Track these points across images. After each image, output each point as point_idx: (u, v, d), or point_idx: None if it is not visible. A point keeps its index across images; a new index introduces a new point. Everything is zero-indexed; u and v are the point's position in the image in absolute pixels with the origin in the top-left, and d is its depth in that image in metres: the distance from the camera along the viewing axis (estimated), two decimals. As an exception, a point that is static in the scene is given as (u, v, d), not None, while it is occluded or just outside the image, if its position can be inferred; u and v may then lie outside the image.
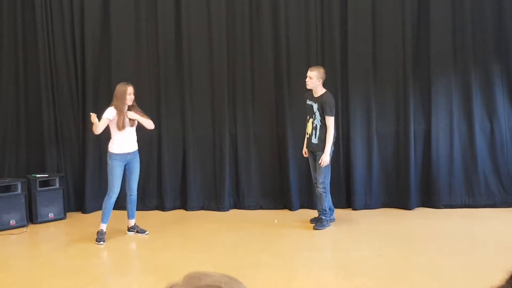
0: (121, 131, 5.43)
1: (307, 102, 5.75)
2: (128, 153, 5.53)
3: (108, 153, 5.51)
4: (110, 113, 5.41)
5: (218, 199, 6.80)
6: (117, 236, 5.67)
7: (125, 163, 5.53)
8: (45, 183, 6.45)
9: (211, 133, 6.83)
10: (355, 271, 4.36)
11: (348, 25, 6.60)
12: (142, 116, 5.57)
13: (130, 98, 5.45)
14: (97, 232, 5.46)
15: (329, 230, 5.66)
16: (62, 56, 6.85)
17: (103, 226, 5.49)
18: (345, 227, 5.83)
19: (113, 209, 6.88)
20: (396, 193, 6.64)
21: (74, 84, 6.89)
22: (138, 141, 6.96)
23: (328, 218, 5.74)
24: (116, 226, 6.14)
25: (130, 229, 5.78)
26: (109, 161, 5.48)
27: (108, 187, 5.50)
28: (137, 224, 5.79)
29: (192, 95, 6.84)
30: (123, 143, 5.49)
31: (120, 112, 5.41)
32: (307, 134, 5.79)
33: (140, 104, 6.92)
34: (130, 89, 5.46)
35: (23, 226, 6.07)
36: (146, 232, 5.74)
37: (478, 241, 5.15)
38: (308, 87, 5.70)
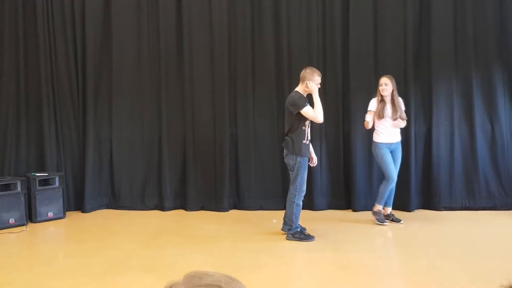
0: (381, 120, 5.77)
1: None
2: (393, 143, 5.84)
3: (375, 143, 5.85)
4: (372, 104, 5.81)
5: (218, 199, 6.80)
6: (118, 236, 5.66)
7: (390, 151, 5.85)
8: (44, 182, 6.44)
9: (212, 133, 6.83)
10: (354, 272, 4.35)
11: (350, 26, 6.61)
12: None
13: (381, 89, 5.73)
14: (374, 213, 5.80)
15: (330, 232, 5.65)
16: (63, 55, 6.85)
17: (379, 207, 5.85)
18: (346, 228, 5.83)
19: (113, 208, 6.94)
20: (396, 194, 6.60)
21: (74, 83, 6.90)
22: (138, 141, 6.99)
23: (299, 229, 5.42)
24: (117, 227, 6.14)
25: (385, 216, 5.98)
26: (376, 150, 5.83)
27: (386, 175, 5.81)
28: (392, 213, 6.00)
29: (192, 95, 6.84)
30: (389, 132, 5.80)
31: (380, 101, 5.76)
32: (308, 139, 5.39)
33: (141, 103, 6.96)
34: (381, 80, 5.77)
35: (22, 225, 6.07)
36: (401, 221, 5.92)
37: (478, 244, 5.14)
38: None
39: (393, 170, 5.80)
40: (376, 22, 6.63)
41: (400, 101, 5.85)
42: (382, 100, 5.78)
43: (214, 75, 6.81)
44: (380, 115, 5.75)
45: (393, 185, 5.84)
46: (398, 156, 5.91)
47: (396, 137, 5.89)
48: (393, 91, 5.76)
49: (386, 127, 5.80)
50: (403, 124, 5.84)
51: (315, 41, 6.66)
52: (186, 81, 6.82)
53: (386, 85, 5.76)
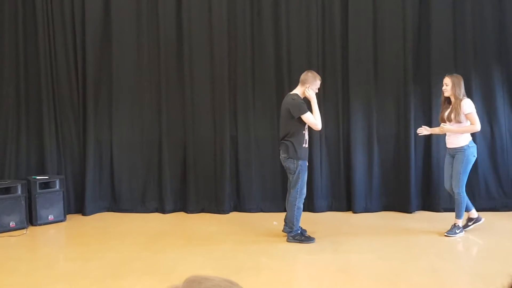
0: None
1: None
2: (449, 148, 5.48)
3: None
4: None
5: (218, 202, 6.80)
6: (118, 239, 5.66)
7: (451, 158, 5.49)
8: (45, 185, 6.45)
9: (212, 135, 6.83)
10: (355, 274, 4.36)
11: (349, 28, 6.62)
12: None
13: (442, 89, 5.41)
14: (454, 226, 5.48)
15: (330, 234, 5.65)
16: (63, 58, 6.86)
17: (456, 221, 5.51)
18: (345, 230, 5.83)
19: (113, 211, 6.93)
20: (396, 196, 6.64)
21: (74, 86, 6.91)
22: (138, 143, 6.98)
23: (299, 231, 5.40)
24: (117, 230, 6.14)
25: (468, 220, 5.65)
26: None
27: None
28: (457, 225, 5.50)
29: (193, 97, 6.85)
30: (446, 137, 5.52)
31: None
32: (307, 143, 5.40)
33: (141, 105, 6.96)
34: (444, 80, 5.40)
35: (23, 228, 6.07)
36: (482, 219, 5.57)
37: (478, 245, 5.14)
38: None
39: (445, 177, 5.57)
40: (375, 24, 6.64)
41: (460, 103, 5.26)
42: (445, 102, 5.45)
43: (214, 78, 6.81)
44: (441, 117, 5.48)
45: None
46: (454, 164, 5.39)
47: (452, 142, 5.38)
48: (453, 92, 5.28)
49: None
50: (448, 127, 5.32)
51: (315, 43, 6.66)
52: (186, 83, 6.82)
53: (447, 85, 5.32)
